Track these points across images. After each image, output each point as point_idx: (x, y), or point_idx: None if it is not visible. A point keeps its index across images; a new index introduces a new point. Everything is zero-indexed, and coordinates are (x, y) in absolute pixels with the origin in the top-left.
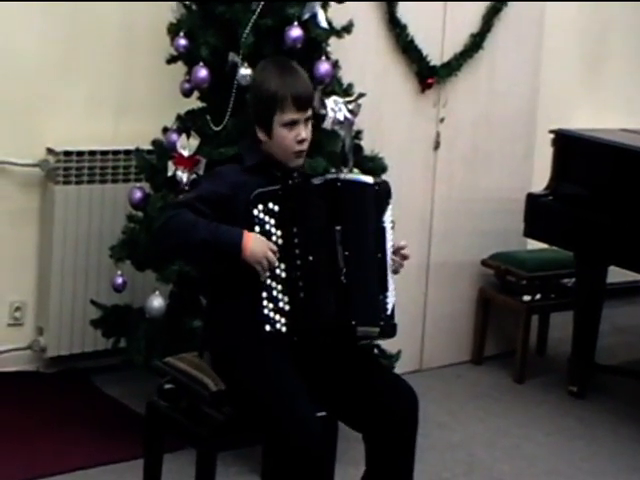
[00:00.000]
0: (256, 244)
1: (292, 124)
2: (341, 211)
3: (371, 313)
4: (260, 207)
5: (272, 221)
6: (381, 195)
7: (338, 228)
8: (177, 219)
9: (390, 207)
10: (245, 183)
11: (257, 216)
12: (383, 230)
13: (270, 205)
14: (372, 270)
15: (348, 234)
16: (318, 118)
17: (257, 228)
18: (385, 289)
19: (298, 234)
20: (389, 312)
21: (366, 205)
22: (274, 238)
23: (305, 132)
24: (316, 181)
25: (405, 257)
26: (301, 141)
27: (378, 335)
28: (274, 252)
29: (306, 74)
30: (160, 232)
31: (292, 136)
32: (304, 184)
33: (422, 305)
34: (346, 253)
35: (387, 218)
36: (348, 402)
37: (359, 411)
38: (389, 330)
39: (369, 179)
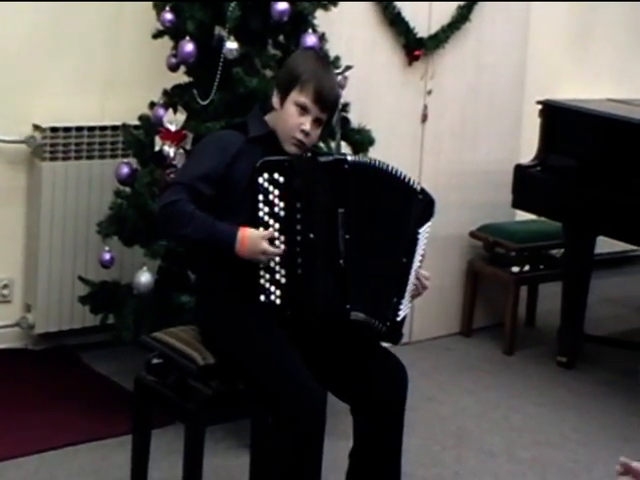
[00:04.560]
0: (251, 243)
1: (303, 109)
2: (345, 194)
3: (370, 302)
4: (265, 176)
5: (276, 192)
6: (420, 203)
7: (341, 211)
8: (174, 209)
9: (429, 224)
10: (246, 152)
11: (262, 184)
12: (416, 240)
13: (275, 175)
14: (378, 260)
15: (351, 218)
16: None
17: (260, 197)
18: (401, 294)
19: (301, 210)
20: (399, 319)
21: (375, 192)
22: (276, 209)
23: (310, 126)
24: (323, 159)
25: (424, 287)
26: (304, 132)
27: (381, 332)
28: (272, 239)
29: (339, 86)
30: (159, 217)
31: (298, 120)
32: (312, 160)
33: None
34: (347, 237)
35: (422, 231)
36: (337, 374)
37: (348, 383)
38: (394, 335)
39: (410, 181)
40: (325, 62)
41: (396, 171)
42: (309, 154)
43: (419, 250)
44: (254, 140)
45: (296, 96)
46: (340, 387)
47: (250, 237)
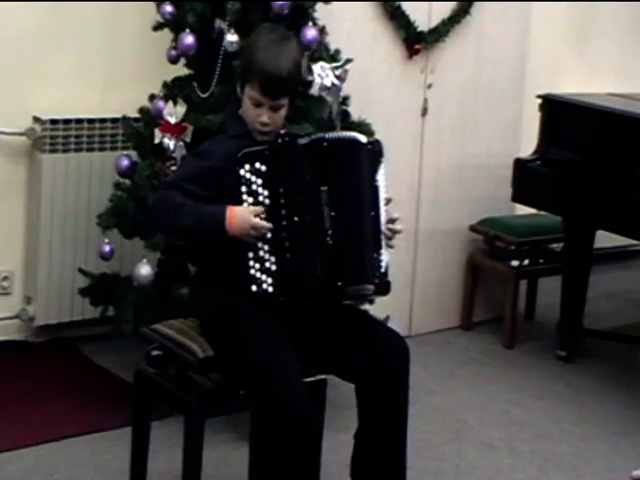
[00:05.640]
0: (240, 219)
1: (256, 102)
2: (327, 171)
3: (361, 273)
4: (247, 167)
5: (259, 181)
6: (373, 153)
7: (324, 189)
8: (163, 202)
9: (383, 166)
10: (234, 152)
11: (243, 176)
12: (376, 189)
13: (257, 165)
14: (363, 229)
15: (334, 195)
16: (305, 85)
17: (243, 188)
18: (379, 247)
19: (284, 194)
20: (383, 270)
21: (355, 164)
22: (261, 198)
23: (268, 117)
24: (302, 141)
25: (396, 231)
26: (261, 123)
27: (372, 292)
28: (260, 216)
29: (294, 59)
30: (149, 214)
31: (255, 113)
32: (291, 144)
33: (411, 271)
34: (332, 214)
35: (380, 177)
36: (338, 354)
37: (349, 361)
38: (383, 287)
39: (357, 136)
40: (275, 43)
41: (352, 134)
42: (287, 138)
43: (382, 197)
44: (236, 138)
45: (248, 90)
46: (342, 367)
47: (238, 214)
